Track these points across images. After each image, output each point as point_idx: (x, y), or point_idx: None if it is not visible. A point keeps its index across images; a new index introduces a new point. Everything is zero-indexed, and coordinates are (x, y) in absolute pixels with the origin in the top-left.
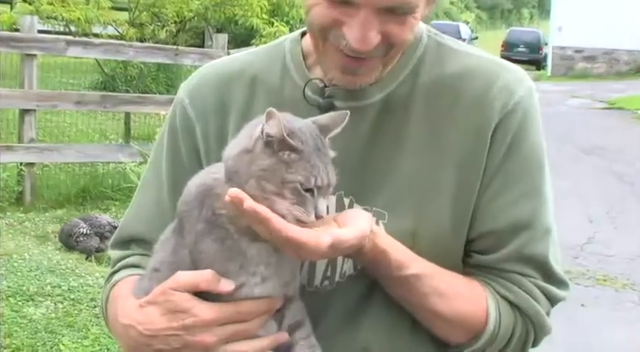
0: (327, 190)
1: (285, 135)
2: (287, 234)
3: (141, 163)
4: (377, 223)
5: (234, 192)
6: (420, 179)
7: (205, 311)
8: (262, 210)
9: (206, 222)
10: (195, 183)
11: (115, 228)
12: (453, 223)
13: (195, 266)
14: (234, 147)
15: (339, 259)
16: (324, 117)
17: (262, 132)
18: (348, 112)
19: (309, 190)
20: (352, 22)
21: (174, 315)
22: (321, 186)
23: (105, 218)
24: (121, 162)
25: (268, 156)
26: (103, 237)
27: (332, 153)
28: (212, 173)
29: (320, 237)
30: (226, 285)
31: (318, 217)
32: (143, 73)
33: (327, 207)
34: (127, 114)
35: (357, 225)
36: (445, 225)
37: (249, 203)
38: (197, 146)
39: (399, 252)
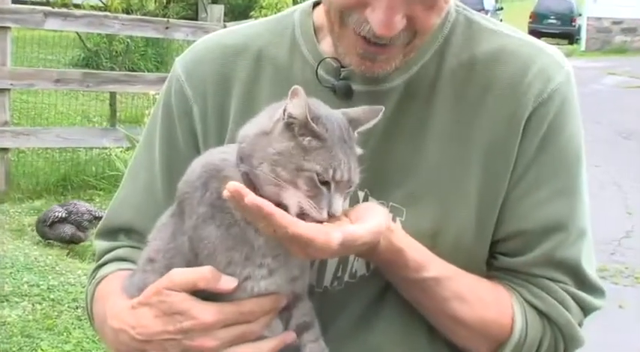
0: (345, 187)
1: (308, 117)
2: (293, 231)
3: (128, 149)
4: (393, 220)
5: (233, 186)
6: (443, 172)
7: (204, 312)
8: (265, 204)
9: (210, 205)
10: (201, 162)
11: (96, 217)
12: (478, 222)
13: (194, 254)
14: (251, 127)
15: (350, 258)
16: (356, 110)
17: (284, 111)
18: (383, 108)
19: (326, 183)
20: (377, 4)
21: (171, 318)
22: (340, 180)
23: (84, 205)
24: (105, 148)
25: (287, 139)
26: (80, 227)
27: (359, 151)
28: (221, 153)
29: (329, 233)
30: (228, 283)
31: (331, 216)
32: (130, 49)
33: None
34: (112, 95)
35: (372, 220)
36: (469, 224)
37: (250, 198)
38: (194, 128)
39: (417, 252)
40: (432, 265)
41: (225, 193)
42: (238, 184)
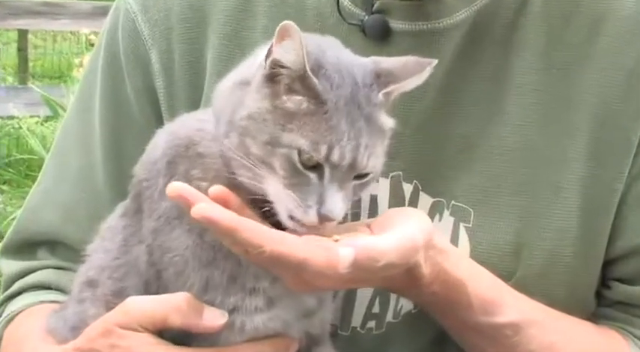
0: (348, 175)
1: (307, 67)
2: (273, 250)
3: (48, 119)
4: (456, 227)
5: (174, 188)
6: (529, 156)
7: None
8: (220, 215)
9: None
10: (165, 134)
11: None
12: (584, 231)
13: (154, 272)
14: (230, 77)
15: None
16: (394, 61)
17: (267, 56)
18: (434, 62)
19: (314, 168)
20: None
21: None
22: (338, 163)
23: None
24: (12, 117)
25: (264, 98)
26: None
27: (388, 122)
28: (196, 120)
29: (333, 249)
30: (213, 318)
31: (323, 219)
32: None
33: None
34: (22, 34)
35: (402, 229)
36: (570, 236)
37: (199, 210)
38: (153, 85)
39: (485, 284)
40: (509, 304)
41: (169, 194)
42: (181, 185)
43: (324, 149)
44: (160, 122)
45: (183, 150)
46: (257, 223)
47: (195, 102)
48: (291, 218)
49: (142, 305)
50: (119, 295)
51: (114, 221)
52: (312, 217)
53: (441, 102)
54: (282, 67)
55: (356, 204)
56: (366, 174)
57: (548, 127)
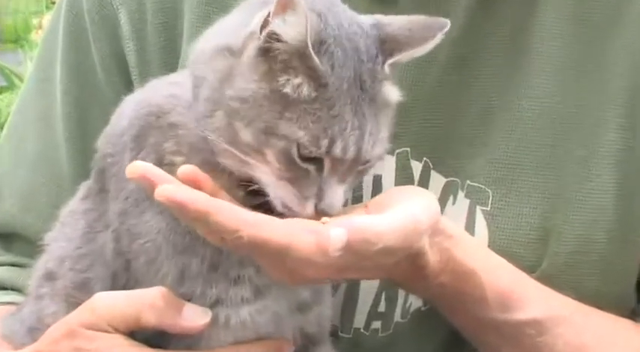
0: (352, 168)
1: (309, 43)
2: (251, 234)
3: (2, 90)
4: (472, 211)
5: (136, 168)
6: (555, 127)
7: None
8: (189, 197)
9: None
10: (133, 101)
11: None
12: (620, 214)
13: (123, 262)
14: (210, 37)
15: None
16: (400, 23)
17: (263, 26)
18: (448, 23)
19: (313, 159)
20: None
21: None
22: (340, 158)
23: None
24: None
25: (259, 76)
26: None
27: (394, 94)
28: (169, 84)
29: (321, 232)
30: (195, 316)
31: (320, 213)
32: None
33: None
34: None
35: (402, 209)
36: (604, 218)
37: (163, 191)
38: (121, 49)
39: (502, 275)
40: (531, 298)
41: (129, 174)
42: (143, 164)
43: (324, 143)
44: (129, 90)
45: (153, 120)
46: (232, 205)
47: (171, 69)
48: (286, 207)
49: (111, 302)
50: (83, 289)
51: (75, 204)
52: (309, 210)
53: (453, 68)
54: (280, 41)
55: (357, 186)
56: (366, 164)
57: (577, 95)
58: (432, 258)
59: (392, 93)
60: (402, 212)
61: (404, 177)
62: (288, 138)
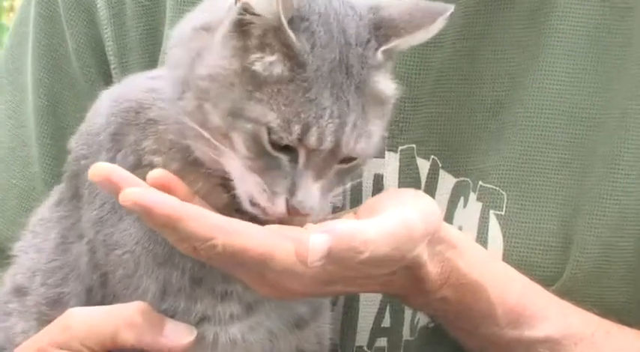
0: (329, 161)
1: (283, 18)
2: (226, 243)
3: None
4: (484, 215)
5: (99, 170)
6: (577, 121)
7: None
8: (157, 201)
9: None
10: (111, 97)
11: None
12: None
13: (100, 275)
14: (189, 19)
15: None
16: (396, 6)
17: None
18: (452, 7)
19: (286, 148)
20: None
21: None
22: (315, 148)
23: None
24: None
25: (230, 52)
26: None
27: (389, 87)
28: (149, 78)
29: (301, 239)
30: (178, 334)
31: (293, 212)
32: None
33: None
34: None
35: (394, 213)
36: (632, 223)
37: (129, 193)
38: (99, 35)
39: (513, 288)
40: (546, 313)
41: (92, 177)
42: (107, 166)
43: (297, 129)
44: (109, 84)
45: (132, 116)
46: (206, 210)
47: (153, 58)
48: (253, 204)
49: (86, 319)
50: (56, 305)
51: (47, 211)
52: (279, 207)
53: (462, 56)
54: (254, 14)
55: (356, 188)
56: (354, 158)
57: (601, 84)
58: (433, 269)
59: (385, 84)
60: (394, 217)
61: (409, 176)
62: (257, 121)
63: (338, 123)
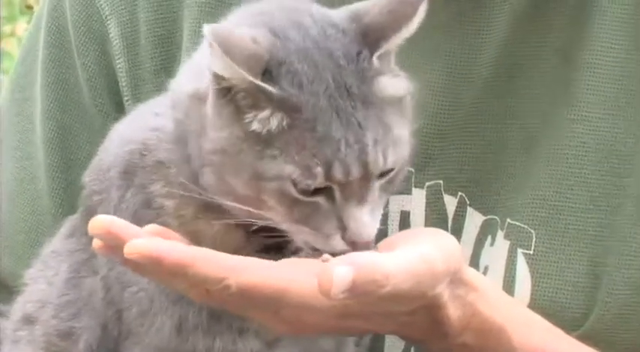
0: (365, 183)
1: (250, 78)
2: (239, 282)
3: None
4: (512, 255)
5: (99, 223)
6: (609, 158)
7: None
8: (165, 249)
9: (138, 217)
10: (119, 135)
11: None
12: None
13: (114, 312)
14: (184, 79)
15: None
16: (375, 9)
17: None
18: None
19: (318, 191)
20: None
21: None
22: (345, 180)
23: None
24: None
25: (226, 120)
26: None
27: (396, 85)
28: (155, 115)
29: (325, 271)
30: None
31: (353, 246)
32: None
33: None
34: None
35: (415, 249)
36: None
37: (134, 245)
38: (111, 66)
39: (535, 331)
40: None
41: (92, 231)
42: (107, 218)
43: (319, 172)
44: (120, 113)
45: (137, 159)
46: (215, 251)
47: (167, 89)
48: (315, 250)
49: None
50: (67, 338)
51: (58, 243)
52: (337, 246)
53: (493, 89)
54: (224, 78)
55: (382, 222)
56: (391, 169)
57: (634, 121)
58: (454, 312)
59: (392, 85)
60: (414, 251)
61: (436, 213)
62: (278, 177)
63: (357, 148)
